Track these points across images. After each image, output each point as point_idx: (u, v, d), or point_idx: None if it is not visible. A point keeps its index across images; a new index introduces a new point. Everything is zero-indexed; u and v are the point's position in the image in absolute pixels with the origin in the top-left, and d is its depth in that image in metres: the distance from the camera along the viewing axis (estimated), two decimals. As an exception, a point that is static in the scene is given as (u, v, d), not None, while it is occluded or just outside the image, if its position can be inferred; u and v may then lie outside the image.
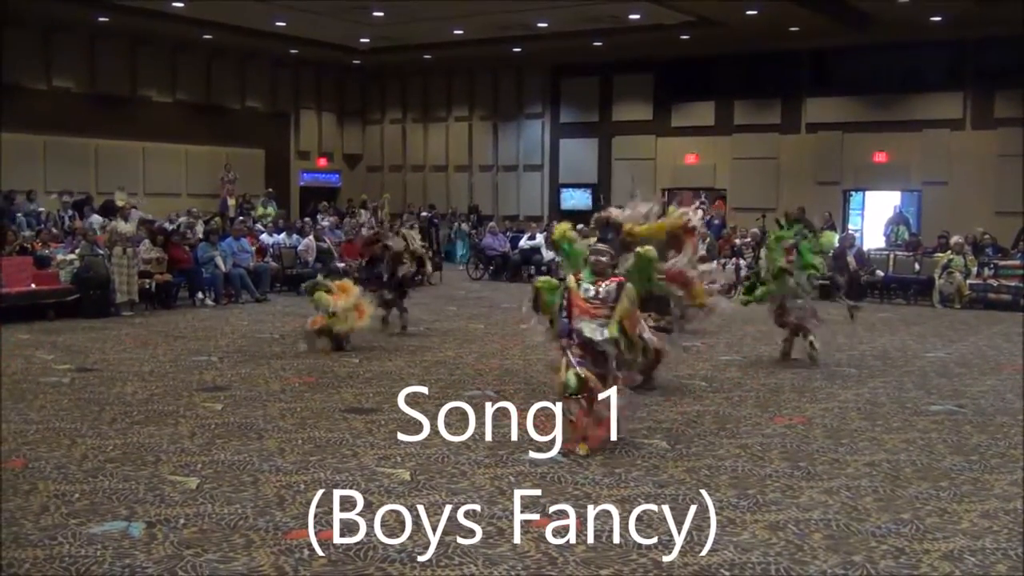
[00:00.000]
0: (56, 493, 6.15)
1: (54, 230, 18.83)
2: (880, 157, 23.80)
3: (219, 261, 17.14)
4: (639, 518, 5.76)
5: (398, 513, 5.82)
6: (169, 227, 18.20)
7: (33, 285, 14.59)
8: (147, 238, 16.48)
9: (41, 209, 21.35)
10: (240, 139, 27.37)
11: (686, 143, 26.27)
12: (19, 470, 6.65)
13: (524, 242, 22.79)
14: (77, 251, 15.79)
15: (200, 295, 16.75)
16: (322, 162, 30.80)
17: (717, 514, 5.86)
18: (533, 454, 7.13)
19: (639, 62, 26.01)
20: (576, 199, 27.50)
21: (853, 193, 24.72)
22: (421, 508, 5.90)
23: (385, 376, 10.26)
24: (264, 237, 20.33)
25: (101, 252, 15.55)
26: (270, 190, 26.32)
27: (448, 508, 5.91)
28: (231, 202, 25.55)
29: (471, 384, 9.91)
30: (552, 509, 5.92)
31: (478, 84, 29.36)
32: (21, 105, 22.34)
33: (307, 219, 23.25)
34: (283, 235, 20.73)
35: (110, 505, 5.93)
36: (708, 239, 20.35)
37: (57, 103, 23.39)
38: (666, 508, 5.94)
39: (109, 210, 21.34)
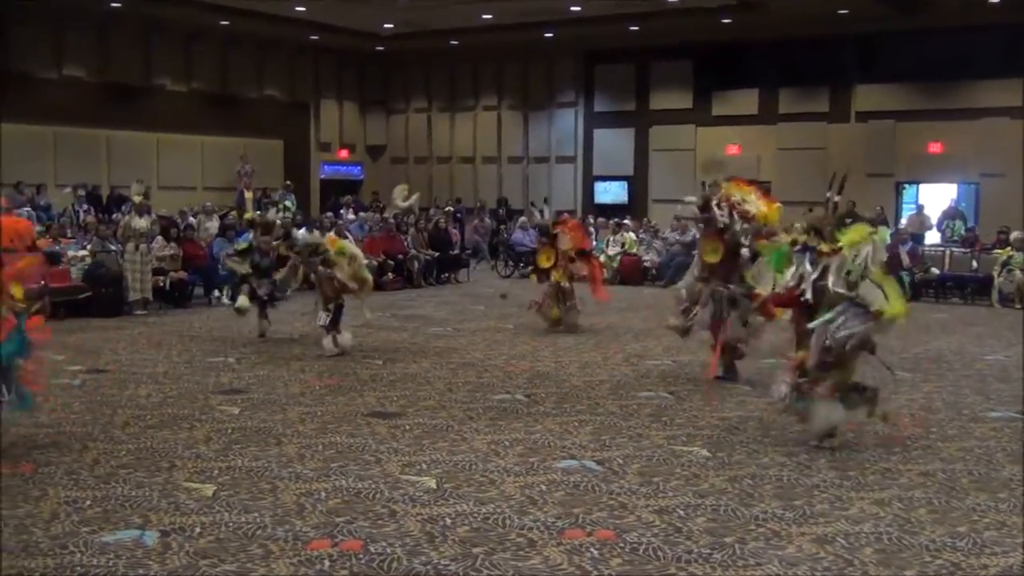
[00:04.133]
0: (67, 500, 6.20)
1: (63, 225, 19.00)
2: (935, 147, 23.59)
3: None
4: (678, 530, 5.74)
5: (423, 523, 5.83)
6: (180, 223, 18.30)
7: (43, 283, 14.72)
8: (161, 234, 16.61)
9: (51, 203, 21.54)
10: (258, 130, 27.50)
11: (727, 133, 26.12)
12: (29, 475, 6.71)
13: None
14: (88, 247, 15.92)
15: (216, 293, 16.85)
16: (343, 154, 30.91)
17: (761, 526, 5.83)
18: (566, 461, 7.13)
19: (678, 48, 25.91)
20: (611, 193, 27.45)
21: (906, 186, 24.53)
22: (447, 518, 5.91)
23: (410, 379, 10.29)
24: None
25: (113, 248, 15.68)
26: (289, 183, 26.44)
27: (476, 518, 5.92)
28: (248, 196, 25.66)
29: (500, 387, 9.91)
30: (586, 520, 5.91)
31: (507, 71, 29.36)
32: (30, 95, 22.53)
33: (329, 214, 23.32)
34: (303, 230, 20.77)
35: (123, 513, 5.98)
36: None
37: (67, 93, 23.57)
38: (707, 519, 5.93)
39: (118, 203, 21.50)
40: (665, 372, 10.79)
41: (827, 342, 7.38)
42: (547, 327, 13.72)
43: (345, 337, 11.72)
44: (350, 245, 12.54)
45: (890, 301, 7.32)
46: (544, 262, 13.84)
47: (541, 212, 15.72)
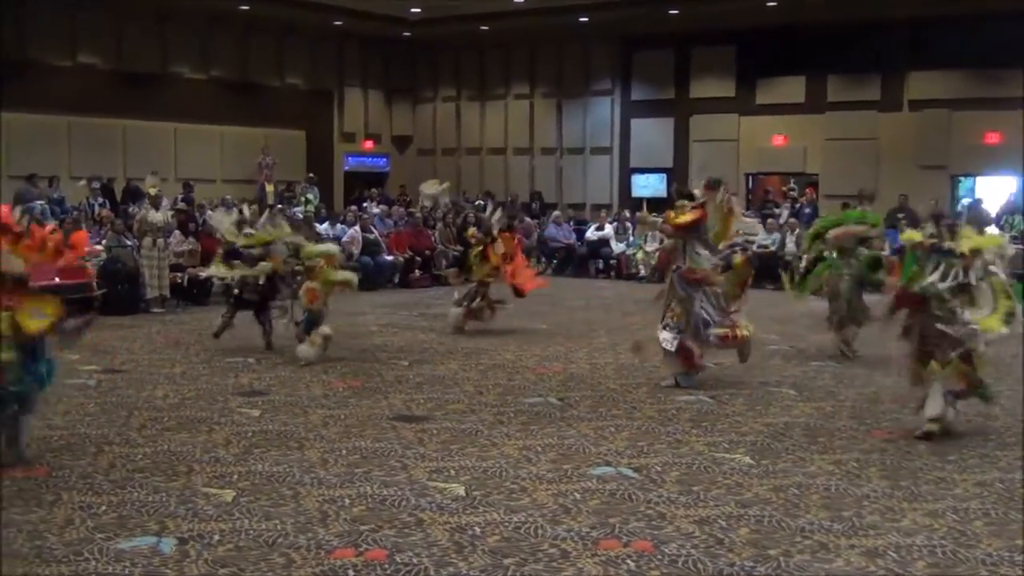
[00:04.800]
0: (81, 505, 6.27)
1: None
2: (992, 138, 23.33)
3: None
4: (719, 541, 5.73)
5: (451, 532, 5.84)
6: (199, 217, 18.41)
7: (57, 279, 14.85)
8: (178, 228, 16.72)
9: (64, 196, 21.70)
10: (279, 120, 27.60)
11: (773, 123, 25.98)
12: (42, 479, 6.79)
13: (591, 233, 22.75)
14: (104, 242, 16.05)
15: (236, 291, 16.92)
16: (368, 145, 30.98)
17: (807, 538, 5.81)
18: (601, 468, 7.13)
19: (720, 33, 25.77)
20: (649, 185, 27.38)
21: (962, 178, 24.31)
22: (477, 527, 5.92)
23: (437, 381, 10.31)
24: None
25: (129, 244, 15.80)
26: (312, 175, 26.53)
27: (507, 528, 5.93)
28: (269, 188, 25.79)
29: (532, 390, 9.92)
30: (622, 530, 5.91)
31: (540, 58, 29.32)
32: (43, 83, 22.68)
33: (353, 207, 23.41)
34: (326, 225, 20.92)
35: (139, 519, 6.03)
36: (798, 231, 20.21)
37: (82, 81, 23.70)
38: (750, 531, 5.91)
39: (134, 196, 21.66)
40: (706, 375, 10.74)
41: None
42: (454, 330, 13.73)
43: (322, 330, 11.26)
44: (322, 247, 12.00)
45: (992, 315, 7.80)
46: (476, 261, 13.73)
47: (484, 206, 15.32)
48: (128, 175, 23.98)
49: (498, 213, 14.75)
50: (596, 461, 7.36)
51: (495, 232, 13.88)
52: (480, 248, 13.73)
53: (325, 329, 11.30)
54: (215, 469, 7.08)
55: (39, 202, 20.33)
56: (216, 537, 5.73)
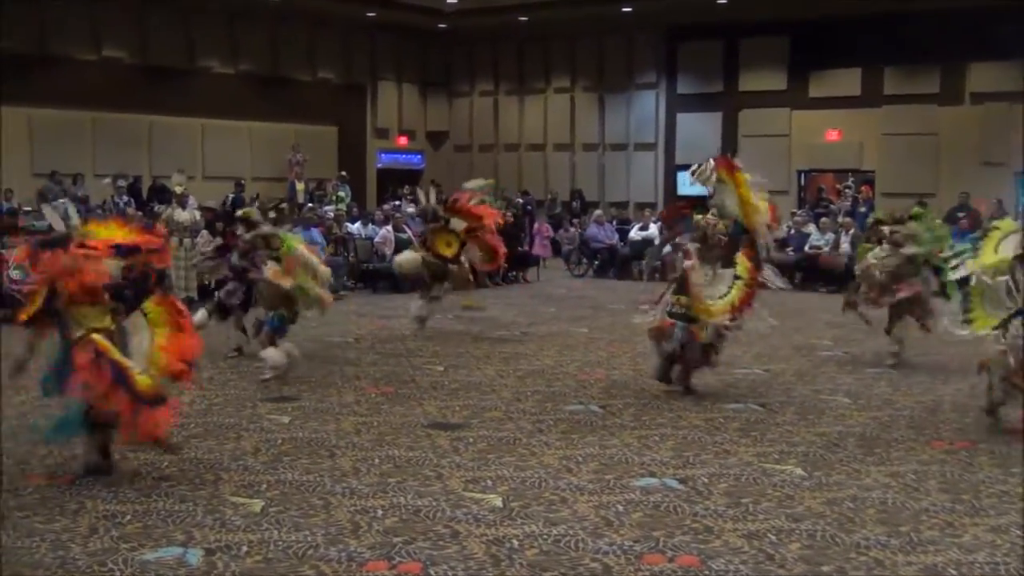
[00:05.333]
0: (106, 514, 6.32)
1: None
2: (1059, 133, 23.12)
3: (286, 254, 17.39)
4: (769, 557, 5.70)
5: (488, 545, 5.85)
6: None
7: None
8: (206, 227, 16.83)
9: (88, 194, 21.91)
10: (310, 115, 27.80)
11: (827, 117, 25.87)
12: (66, 487, 6.85)
13: (635, 233, 22.70)
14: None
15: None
16: (403, 141, 31.13)
17: (863, 554, 5.77)
18: (645, 479, 7.11)
19: (771, 22, 25.69)
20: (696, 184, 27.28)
21: (1027, 177, 24.09)
22: (515, 540, 5.93)
23: (473, 387, 10.33)
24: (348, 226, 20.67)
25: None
26: (343, 173, 26.66)
27: (546, 541, 5.92)
28: (300, 186, 25.95)
29: (572, 397, 9.91)
30: (667, 544, 5.89)
31: (581, 50, 29.33)
32: (67, 78, 22.98)
33: (386, 206, 23.48)
34: (358, 224, 21.01)
35: (165, 529, 6.08)
36: (852, 230, 20.07)
37: (106, 75, 24.00)
38: (801, 546, 5.87)
39: (160, 194, 21.83)
40: (755, 382, 10.70)
41: None
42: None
43: (287, 346, 10.63)
44: (306, 255, 10.76)
45: None
46: (445, 249, 13.71)
47: (426, 195, 15.11)
48: (154, 172, 24.23)
49: (432, 196, 14.77)
50: (640, 472, 7.34)
51: (442, 212, 13.94)
52: (442, 235, 13.76)
53: (290, 346, 10.72)
54: (243, 478, 7.12)
55: (62, 200, 20.54)
56: (244, 548, 5.77)
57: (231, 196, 21.93)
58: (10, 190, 20.47)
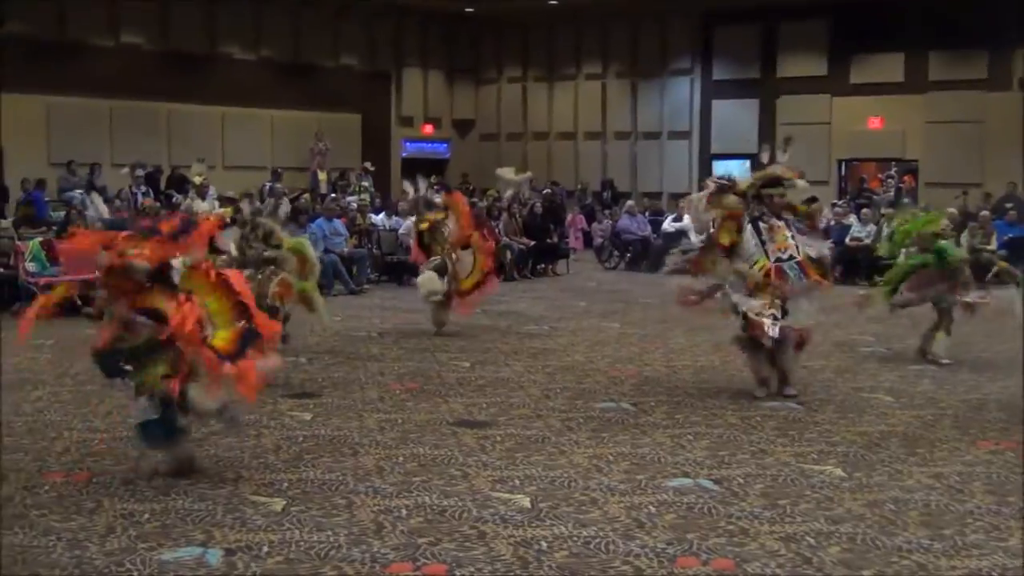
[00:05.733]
0: (123, 512, 6.37)
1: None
2: (1112, 120, 22.93)
3: (308, 246, 17.45)
4: (807, 560, 5.68)
5: (516, 546, 5.86)
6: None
7: (97, 273, 15.08)
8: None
9: (106, 184, 22.04)
10: (334, 103, 27.87)
11: (868, 104, 25.74)
12: (82, 485, 6.91)
13: (668, 224, 22.64)
14: (146, 234, 16.24)
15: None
16: (428, 129, 31.17)
17: (905, 558, 5.74)
18: (679, 480, 7.10)
19: (811, 5, 25.58)
20: (732, 173, 27.18)
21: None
22: (543, 542, 5.93)
23: (501, 383, 10.33)
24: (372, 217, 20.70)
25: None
26: (367, 164, 26.68)
27: (576, 542, 5.92)
28: (322, 176, 26.02)
29: (603, 394, 9.90)
30: (701, 547, 5.88)
31: (614, 35, 29.28)
32: (84, 65, 23.12)
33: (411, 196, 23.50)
34: (382, 216, 21.06)
35: (184, 528, 6.12)
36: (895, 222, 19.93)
37: (124, 62, 24.09)
38: (841, 549, 5.85)
39: (179, 184, 21.94)
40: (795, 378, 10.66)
41: None
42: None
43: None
44: (307, 246, 11.35)
45: None
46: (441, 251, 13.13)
47: (415, 185, 14.78)
48: (173, 162, 24.33)
49: (423, 186, 14.28)
50: (673, 472, 7.32)
51: (439, 200, 13.61)
52: (431, 224, 13.33)
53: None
54: (264, 476, 7.15)
55: (79, 192, 20.70)
56: (265, 548, 5.79)
57: (268, 184, 21.84)
58: (27, 180, 20.63)
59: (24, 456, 7.54)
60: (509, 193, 20.03)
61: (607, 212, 25.51)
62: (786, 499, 6.74)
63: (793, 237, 9.61)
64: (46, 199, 20.38)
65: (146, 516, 6.30)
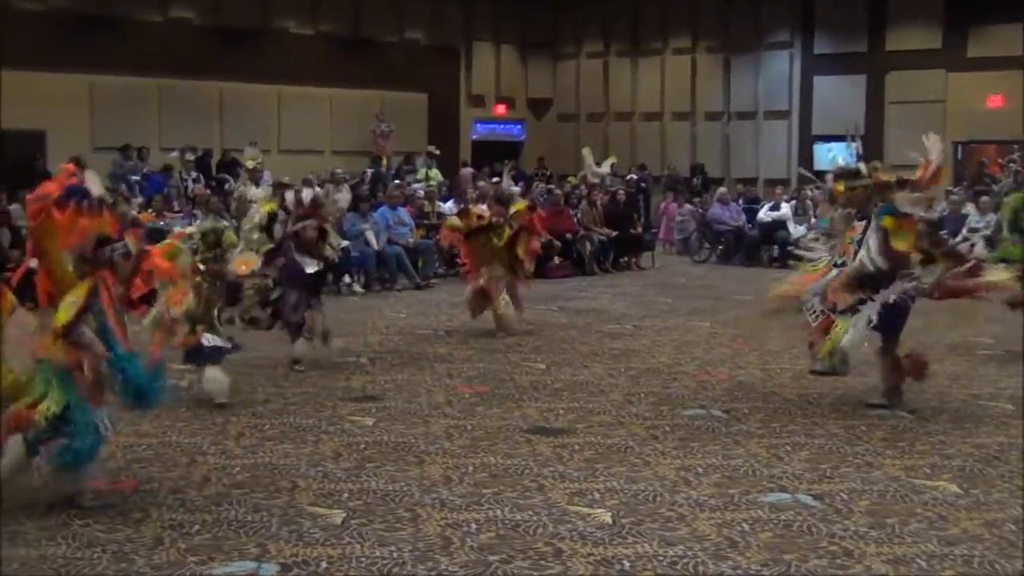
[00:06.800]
0: (172, 523, 6.46)
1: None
2: None
3: (370, 237, 17.57)
4: (918, 585, 5.63)
5: (595, 566, 5.86)
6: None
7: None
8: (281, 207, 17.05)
9: (154, 169, 22.30)
10: (397, 81, 27.95)
11: (988, 80, 25.39)
12: (129, 493, 7.02)
13: (764, 213, 22.50)
14: (198, 223, 16.44)
15: (347, 279, 17.22)
16: (500, 109, 31.21)
17: (1027, 584, 5.67)
18: (775, 495, 7.06)
19: (924, -29, 25.31)
20: (836, 156, 26.94)
21: None
22: (626, 561, 5.93)
23: (579, 387, 10.34)
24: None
25: (226, 224, 16.15)
26: (432, 148, 26.70)
27: (661, 562, 5.91)
28: (384, 161, 26.12)
29: (692, 400, 9.87)
30: (800, 569, 5.84)
31: (704, 5, 29.14)
32: (130, 42, 23.38)
33: (481, 183, 23.55)
34: (450, 203, 21.10)
35: (236, 541, 6.19)
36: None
37: (173, 39, 24.34)
38: (956, 573, 5.79)
39: (230, 168, 22.11)
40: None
41: None
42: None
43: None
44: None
45: None
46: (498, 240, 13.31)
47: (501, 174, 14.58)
48: (225, 145, 24.52)
49: (506, 178, 14.39)
50: (769, 486, 7.29)
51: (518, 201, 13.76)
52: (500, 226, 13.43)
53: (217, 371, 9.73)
54: (323, 486, 7.21)
55: (135, 177, 20.94)
56: (323, 564, 5.85)
57: (370, 172, 21.77)
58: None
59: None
60: (595, 179, 19.82)
61: (696, 200, 25.36)
62: (895, 517, 6.68)
63: (860, 242, 9.31)
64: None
65: (196, 527, 6.38)
